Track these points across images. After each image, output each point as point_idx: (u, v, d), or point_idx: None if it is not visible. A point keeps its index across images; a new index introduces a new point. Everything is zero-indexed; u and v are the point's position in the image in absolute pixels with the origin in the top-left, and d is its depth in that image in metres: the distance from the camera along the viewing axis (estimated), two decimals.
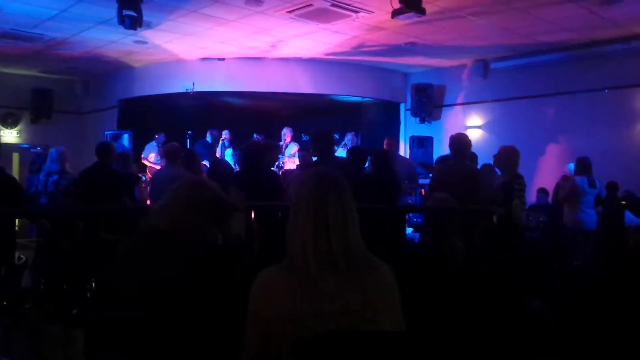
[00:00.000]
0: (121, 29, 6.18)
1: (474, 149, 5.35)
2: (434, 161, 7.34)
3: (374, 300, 1.58)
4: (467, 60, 9.65)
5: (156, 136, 9.16)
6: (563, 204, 6.75)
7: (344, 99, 10.43)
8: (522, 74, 9.08)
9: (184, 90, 9.35)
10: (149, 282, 1.93)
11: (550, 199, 7.74)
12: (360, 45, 8.51)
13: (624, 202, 6.71)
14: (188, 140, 8.86)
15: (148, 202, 5.70)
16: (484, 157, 4.92)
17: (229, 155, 8.87)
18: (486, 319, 2.70)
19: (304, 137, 10.42)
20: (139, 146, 9.28)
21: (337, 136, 9.03)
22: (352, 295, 1.56)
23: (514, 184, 4.67)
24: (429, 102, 10.11)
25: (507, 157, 4.82)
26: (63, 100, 11.31)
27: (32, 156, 7.76)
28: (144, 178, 8.23)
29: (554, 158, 8.62)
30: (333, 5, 6.51)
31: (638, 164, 7.73)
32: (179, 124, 9.68)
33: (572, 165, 6.97)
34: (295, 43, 8.42)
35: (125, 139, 9.32)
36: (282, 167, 8.08)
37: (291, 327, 1.51)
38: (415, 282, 2.19)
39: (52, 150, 6.08)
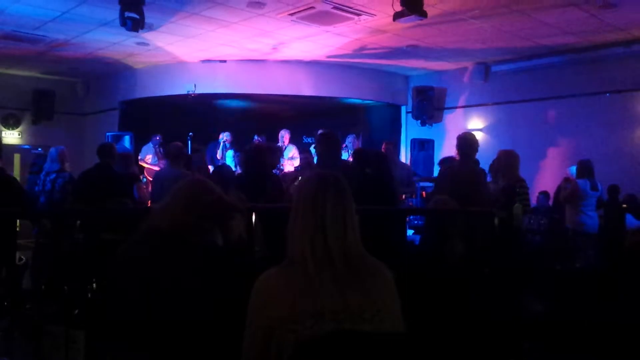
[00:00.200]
0: (123, 30, 6.19)
1: None
2: (437, 163, 7.32)
3: (374, 301, 1.59)
4: (468, 63, 9.66)
5: (154, 137, 9.17)
6: (564, 205, 6.75)
7: (345, 101, 10.44)
8: (523, 77, 9.09)
9: (186, 92, 9.37)
10: (150, 283, 1.93)
11: (551, 202, 7.75)
12: (362, 48, 8.52)
13: (624, 205, 6.71)
14: (189, 142, 8.87)
15: (149, 202, 5.71)
16: (485, 160, 4.92)
17: (229, 157, 8.89)
18: (486, 320, 2.69)
19: (305, 139, 10.45)
20: (140, 148, 9.29)
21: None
22: (352, 296, 1.56)
23: (515, 188, 4.66)
24: (430, 104, 10.12)
25: (506, 161, 4.81)
26: (64, 101, 11.33)
27: (33, 157, 7.76)
28: (144, 179, 8.24)
29: (554, 161, 8.62)
30: (335, 8, 6.52)
31: (639, 167, 7.73)
32: (180, 125, 9.69)
33: (573, 168, 6.98)
34: (297, 45, 8.43)
35: (127, 141, 9.34)
36: (282, 170, 8.09)
37: (291, 327, 1.52)
38: (416, 284, 2.19)
39: (51, 150, 6.09)
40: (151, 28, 7.20)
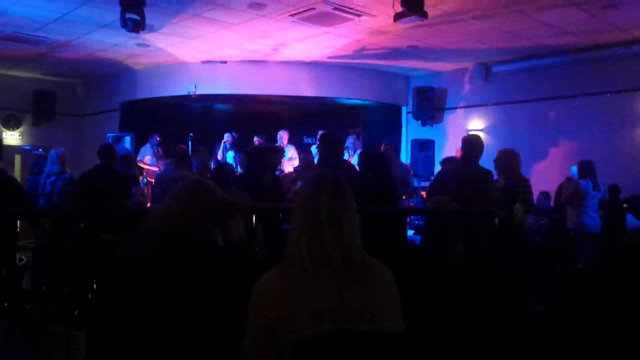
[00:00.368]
0: (124, 32, 6.19)
1: None
2: (439, 162, 7.32)
3: (374, 301, 1.58)
4: (469, 64, 9.66)
5: (151, 138, 9.18)
6: (565, 205, 6.75)
7: (346, 102, 10.44)
8: (523, 78, 9.09)
9: (186, 93, 9.38)
10: (151, 284, 1.93)
11: (552, 202, 7.75)
12: (363, 49, 8.52)
13: (625, 205, 6.70)
14: (190, 143, 8.88)
15: (148, 204, 5.72)
16: (486, 160, 4.91)
17: (230, 158, 8.90)
18: (486, 320, 2.69)
19: (306, 140, 10.46)
20: (139, 149, 9.30)
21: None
22: (352, 296, 1.56)
23: (516, 187, 4.65)
24: (431, 105, 10.12)
25: (506, 160, 4.80)
26: (65, 102, 11.35)
27: (33, 158, 7.77)
28: (145, 180, 8.25)
29: (555, 161, 8.62)
30: (335, 9, 6.53)
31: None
32: (181, 126, 9.70)
33: (575, 168, 6.98)
34: (298, 46, 8.44)
35: (127, 141, 9.35)
36: (282, 171, 8.09)
37: (291, 328, 1.51)
38: (416, 284, 2.19)
39: (52, 152, 6.11)
40: (152, 29, 7.20)
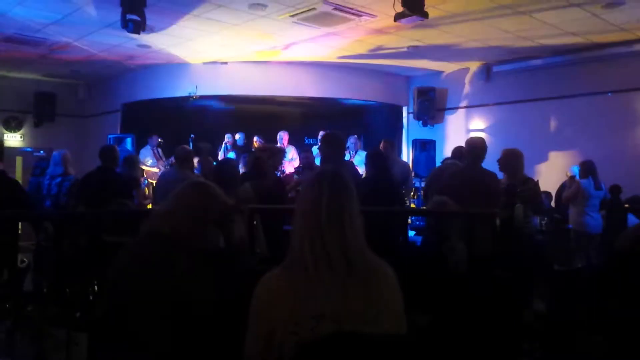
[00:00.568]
0: (124, 33, 6.20)
1: None
2: (441, 162, 7.30)
3: (376, 302, 1.57)
4: (470, 64, 9.66)
5: (150, 139, 9.17)
6: (566, 205, 6.75)
7: (347, 102, 10.44)
8: (524, 78, 9.09)
9: (187, 94, 9.39)
10: (152, 286, 1.93)
11: (553, 202, 7.75)
12: (363, 49, 8.52)
13: (627, 205, 6.69)
14: (191, 144, 8.88)
15: (149, 205, 5.72)
16: (487, 161, 4.91)
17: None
18: (487, 321, 2.69)
19: (307, 141, 10.45)
20: (140, 150, 9.31)
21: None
22: (353, 297, 1.54)
23: (518, 187, 4.64)
24: (432, 105, 10.12)
25: (510, 160, 4.80)
26: (66, 103, 11.36)
27: (35, 160, 7.79)
28: (146, 182, 8.25)
29: (556, 161, 8.61)
30: (336, 9, 6.53)
31: None
32: (182, 127, 9.71)
33: (575, 168, 6.97)
34: (298, 47, 8.44)
35: (129, 143, 9.36)
36: (283, 172, 8.09)
37: (293, 328, 1.51)
38: (417, 285, 2.19)
39: (54, 154, 6.11)
40: (152, 30, 7.21)
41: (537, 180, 4.93)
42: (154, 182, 7.84)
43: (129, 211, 4.52)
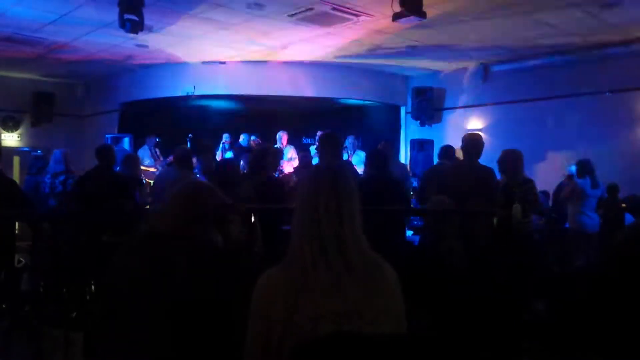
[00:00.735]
0: (122, 32, 6.19)
1: None
2: (437, 154, 7.28)
3: (375, 302, 1.56)
4: (468, 64, 9.67)
5: (148, 139, 9.16)
6: (564, 204, 6.76)
7: (345, 102, 10.44)
8: (522, 78, 9.09)
9: (185, 94, 9.38)
10: (151, 285, 1.93)
11: (550, 202, 7.76)
12: (361, 49, 8.52)
13: (624, 205, 6.71)
14: (189, 143, 8.87)
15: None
16: (485, 160, 4.91)
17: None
18: (486, 321, 2.69)
19: (305, 140, 10.46)
20: (139, 149, 9.29)
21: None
22: (352, 297, 1.53)
23: (516, 188, 4.65)
24: (430, 105, 10.13)
25: (510, 160, 4.80)
26: (64, 103, 11.34)
27: (32, 159, 7.76)
28: (144, 182, 8.23)
29: (554, 161, 8.62)
30: (334, 9, 6.53)
31: (639, 167, 7.73)
32: (180, 127, 9.70)
33: (573, 168, 6.98)
34: (297, 47, 8.43)
35: (126, 142, 9.35)
36: (282, 172, 8.09)
37: (292, 328, 1.50)
38: (415, 284, 2.19)
39: (56, 152, 6.11)
40: (150, 30, 7.20)
41: (533, 181, 4.92)
42: (152, 181, 7.83)
43: (125, 211, 4.51)
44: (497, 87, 9.45)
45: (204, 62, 9.51)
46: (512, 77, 9.21)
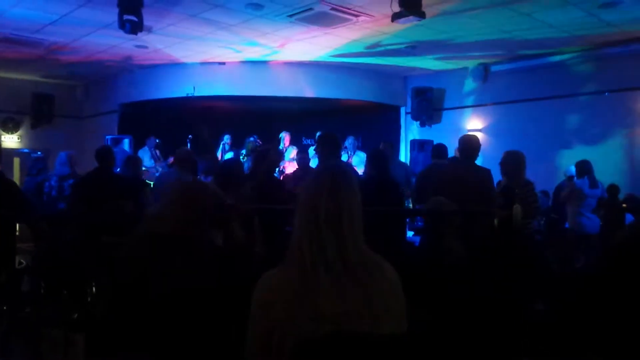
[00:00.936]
0: (122, 33, 6.19)
1: None
2: (430, 151, 7.26)
3: (374, 304, 1.55)
4: (468, 64, 9.67)
5: (149, 140, 9.16)
6: (564, 205, 6.76)
7: (345, 102, 10.43)
8: (522, 77, 9.10)
9: (185, 95, 9.38)
10: (149, 285, 1.93)
11: (550, 202, 7.76)
12: (361, 49, 8.52)
13: (624, 205, 6.71)
14: (189, 144, 8.87)
15: None
16: (484, 161, 4.92)
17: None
18: (486, 321, 2.69)
19: (305, 141, 10.45)
20: (138, 150, 9.29)
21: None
22: (352, 297, 1.53)
23: (514, 189, 4.65)
24: (429, 105, 10.13)
25: (512, 162, 4.80)
26: (64, 104, 11.34)
27: (32, 160, 7.76)
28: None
29: (554, 161, 8.62)
30: (333, 9, 6.53)
31: (638, 167, 7.73)
32: (180, 128, 9.70)
33: (572, 168, 6.99)
34: (296, 47, 8.44)
35: (126, 144, 9.35)
36: (283, 172, 8.09)
37: (292, 328, 1.50)
38: (415, 285, 2.19)
39: (61, 154, 6.12)
40: (150, 31, 7.20)
41: (533, 184, 4.93)
42: (152, 183, 7.82)
43: (125, 212, 4.51)
44: (497, 87, 9.46)
45: (203, 63, 9.52)
46: (512, 77, 9.22)
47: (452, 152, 6.67)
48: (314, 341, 1.45)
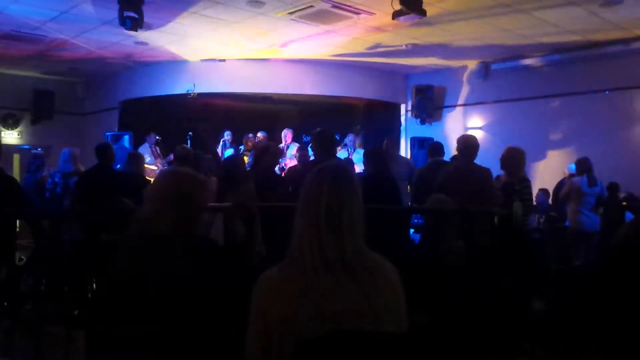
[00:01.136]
0: (122, 30, 6.19)
1: None
2: (426, 152, 7.23)
3: (375, 301, 1.55)
4: (468, 62, 9.66)
5: (149, 137, 9.15)
6: (563, 203, 6.76)
7: (345, 100, 10.43)
8: (522, 76, 9.09)
9: (185, 92, 9.37)
10: (152, 284, 1.93)
11: (550, 200, 7.77)
12: (362, 47, 8.51)
13: (624, 204, 6.71)
14: (189, 142, 8.87)
15: None
16: (484, 159, 4.92)
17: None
18: (486, 320, 2.69)
19: (305, 138, 10.46)
20: (138, 148, 9.28)
21: (337, 137, 9.06)
22: (352, 296, 1.53)
23: (515, 186, 4.65)
24: (430, 103, 10.13)
25: (512, 158, 4.80)
26: (64, 101, 11.33)
27: (30, 156, 7.76)
28: None
29: (554, 159, 8.63)
30: (334, 6, 6.52)
31: (639, 166, 7.73)
32: (180, 125, 9.70)
33: (573, 166, 6.99)
34: (297, 44, 8.43)
35: (126, 140, 9.34)
36: (284, 169, 8.09)
37: (292, 328, 1.50)
38: (416, 284, 2.19)
39: (65, 151, 6.12)
40: (150, 27, 7.19)
41: (529, 181, 4.93)
42: (152, 179, 7.82)
43: (125, 210, 4.51)
44: (497, 85, 9.45)
45: (203, 60, 9.51)
46: (512, 76, 9.21)
47: (452, 150, 6.66)
48: (315, 340, 1.45)
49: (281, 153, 8.04)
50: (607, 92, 8.18)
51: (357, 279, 1.55)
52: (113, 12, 6.04)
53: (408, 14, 5.68)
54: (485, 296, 2.82)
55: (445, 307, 2.66)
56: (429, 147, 6.66)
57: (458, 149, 4.86)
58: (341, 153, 8.52)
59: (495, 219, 3.77)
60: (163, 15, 6.92)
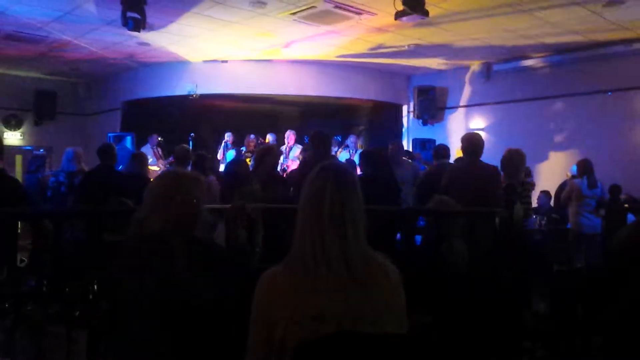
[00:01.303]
0: (125, 30, 6.19)
1: None
2: (432, 153, 7.21)
3: (375, 304, 1.55)
4: (470, 62, 9.66)
5: (151, 138, 9.17)
6: (565, 205, 6.75)
7: (347, 101, 10.43)
8: (525, 76, 9.08)
9: (187, 93, 9.38)
10: (153, 284, 1.92)
11: (552, 202, 7.75)
12: (364, 48, 8.51)
13: (626, 206, 6.70)
14: (191, 142, 8.87)
15: None
16: (486, 160, 4.90)
17: (231, 157, 8.89)
18: (486, 321, 2.69)
19: (306, 139, 10.46)
20: (140, 148, 9.29)
21: (339, 138, 9.06)
22: (353, 299, 1.52)
23: (516, 188, 4.64)
24: (432, 104, 10.13)
25: (512, 160, 4.79)
26: (66, 102, 11.35)
27: (31, 157, 7.75)
28: None
29: (556, 160, 8.62)
30: (336, 7, 6.52)
31: None
32: (182, 125, 9.70)
33: (575, 168, 6.97)
34: (299, 45, 8.43)
35: (128, 141, 9.35)
36: (286, 170, 8.10)
37: (294, 328, 1.50)
38: (417, 284, 2.19)
39: (68, 150, 6.12)
40: (152, 28, 7.20)
41: (529, 183, 4.93)
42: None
43: (126, 210, 4.51)
44: (499, 86, 9.44)
45: (205, 61, 9.51)
46: (514, 76, 9.20)
47: (454, 151, 6.65)
48: (316, 341, 1.45)
49: (281, 154, 8.03)
50: (609, 92, 8.17)
51: (359, 279, 1.55)
52: (115, 13, 6.05)
53: (410, 14, 5.68)
54: (486, 297, 2.82)
55: (446, 307, 2.65)
56: (434, 150, 6.65)
57: (462, 147, 4.84)
58: (343, 154, 8.52)
59: (497, 220, 3.76)
60: (165, 16, 6.93)
